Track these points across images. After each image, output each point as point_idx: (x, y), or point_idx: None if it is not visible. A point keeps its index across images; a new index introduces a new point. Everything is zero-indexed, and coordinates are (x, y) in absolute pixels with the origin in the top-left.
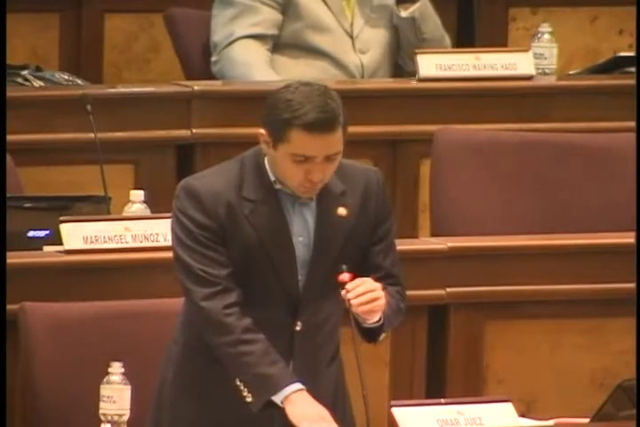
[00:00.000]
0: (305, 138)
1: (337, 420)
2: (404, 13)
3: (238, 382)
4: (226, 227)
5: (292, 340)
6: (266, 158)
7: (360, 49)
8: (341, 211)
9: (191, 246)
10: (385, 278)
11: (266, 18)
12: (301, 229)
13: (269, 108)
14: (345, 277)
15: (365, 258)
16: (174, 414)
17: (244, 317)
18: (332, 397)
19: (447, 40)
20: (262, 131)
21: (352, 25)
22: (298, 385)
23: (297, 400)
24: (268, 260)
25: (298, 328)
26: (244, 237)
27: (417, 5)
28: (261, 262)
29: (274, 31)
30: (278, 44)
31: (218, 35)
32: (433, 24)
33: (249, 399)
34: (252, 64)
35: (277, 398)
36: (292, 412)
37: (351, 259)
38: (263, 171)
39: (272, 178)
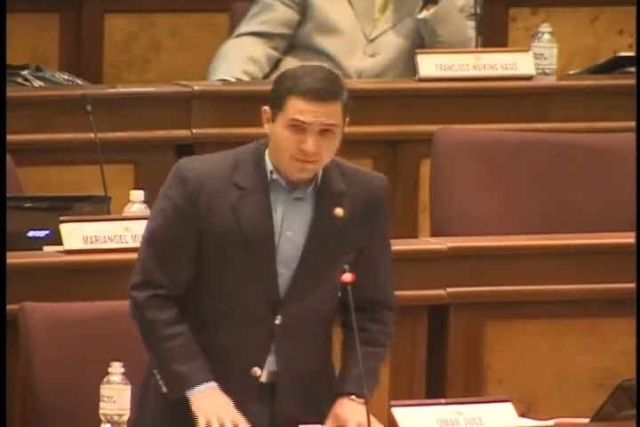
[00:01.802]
0: (301, 104)
1: (319, 414)
2: (419, 15)
3: (155, 372)
4: (203, 214)
5: (272, 333)
6: (266, 149)
7: (369, 52)
8: (338, 211)
9: (156, 238)
10: (367, 310)
11: (277, 16)
12: (292, 224)
13: (274, 83)
14: (347, 277)
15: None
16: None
17: (168, 308)
18: (317, 392)
19: (471, 44)
20: (265, 107)
21: (374, 28)
22: (209, 384)
23: (202, 397)
24: (246, 250)
25: (277, 322)
26: (224, 224)
27: (434, 7)
28: (239, 252)
29: (283, 30)
30: (293, 45)
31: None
32: (451, 27)
33: (164, 390)
34: (224, 59)
35: (189, 394)
36: (196, 408)
37: (342, 263)
38: (261, 160)
39: (270, 167)
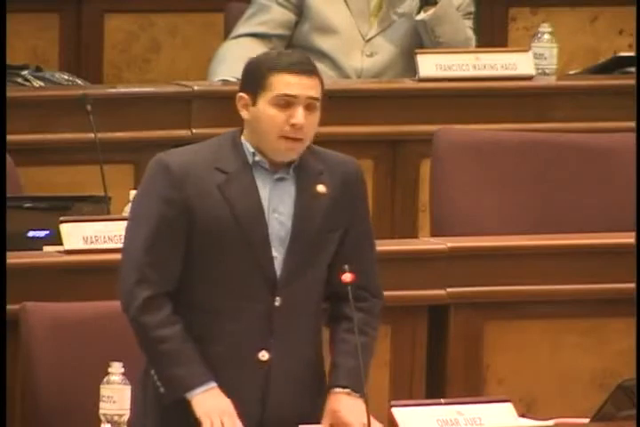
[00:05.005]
0: (288, 78)
1: (311, 399)
2: (418, 16)
3: (153, 373)
4: (192, 200)
5: (272, 316)
6: (242, 135)
7: (367, 52)
8: (320, 188)
9: (144, 233)
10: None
11: (274, 17)
12: (278, 205)
13: (247, 70)
14: (347, 277)
15: (334, 265)
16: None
17: (160, 310)
18: (310, 377)
19: (472, 44)
20: (241, 94)
21: (370, 27)
22: (208, 385)
23: (203, 399)
24: (240, 233)
25: (277, 304)
26: (215, 209)
27: (433, 9)
28: (233, 236)
29: (281, 31)
30: (291, 45)
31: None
32: (451, 28)
33: (162, 390)
34: (223, 60)
35: (189, 396)
36: (197, 409)
37: (329, 243)
38: (239, 145)
39: (250, 150)
